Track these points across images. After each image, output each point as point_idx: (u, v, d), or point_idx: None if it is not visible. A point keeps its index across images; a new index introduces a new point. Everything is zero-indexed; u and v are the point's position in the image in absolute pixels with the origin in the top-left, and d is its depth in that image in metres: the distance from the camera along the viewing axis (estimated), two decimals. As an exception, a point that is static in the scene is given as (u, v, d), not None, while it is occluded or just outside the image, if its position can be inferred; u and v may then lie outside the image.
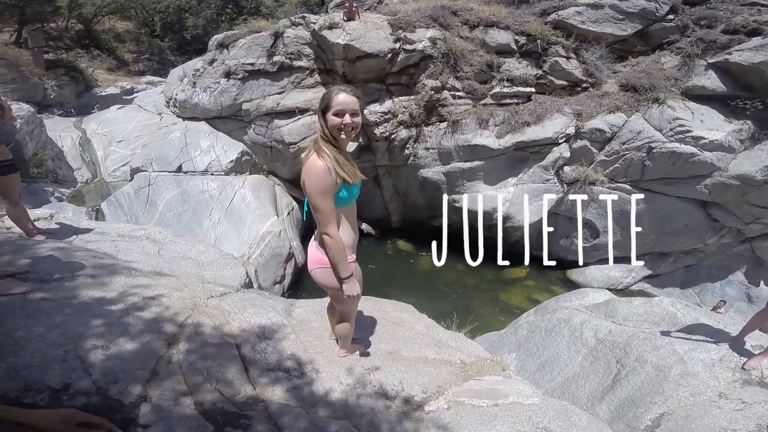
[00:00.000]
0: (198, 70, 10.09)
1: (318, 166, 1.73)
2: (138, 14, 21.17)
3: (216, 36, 10.52)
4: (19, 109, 8.72)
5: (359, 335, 2.69)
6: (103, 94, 16.49)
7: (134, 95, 15.62)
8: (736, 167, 7.82)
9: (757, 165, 7.70)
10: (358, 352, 2.52)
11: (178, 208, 8.16)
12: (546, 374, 4.09)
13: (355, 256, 2.06)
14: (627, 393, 3.27)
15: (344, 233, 1.90)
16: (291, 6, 16.32)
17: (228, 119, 9.53)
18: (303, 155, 1.85)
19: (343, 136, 1.79)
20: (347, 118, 1.75)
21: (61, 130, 10.63)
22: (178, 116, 10.41)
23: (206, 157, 8.84)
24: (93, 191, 9.53)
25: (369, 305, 3.32)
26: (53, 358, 2.05)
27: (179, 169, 8.66)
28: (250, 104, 9.04)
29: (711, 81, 8.20)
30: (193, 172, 8.64)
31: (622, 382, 3.37)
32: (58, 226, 4.18)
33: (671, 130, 7.94)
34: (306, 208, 1.96)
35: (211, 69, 9.85)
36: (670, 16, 9.22)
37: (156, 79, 17.76)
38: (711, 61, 8.32)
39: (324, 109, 1.78)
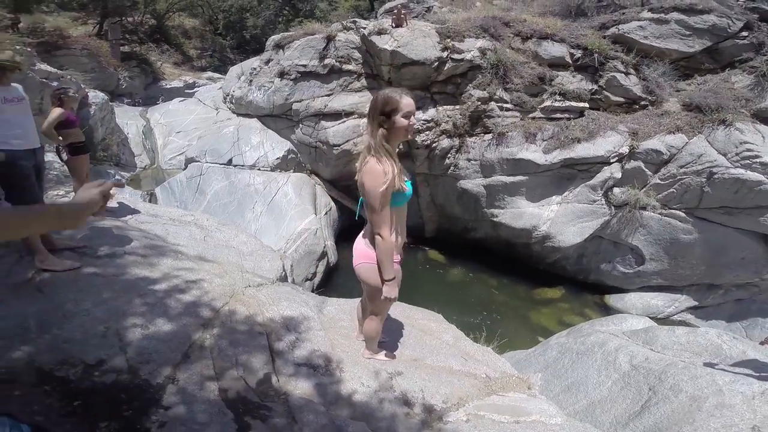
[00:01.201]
0: (255, 68, 10.62)
1: (378, 170, 1.81)
2: (204, 12, 22.64)
3: (273, 36, 11.02)
4: (95, 96, 9.54)
5: (386, 338, 2.72)
6: (168, 86, 17.72)
7: (195, 89, 16.68)
8: (809, 200, 7.10)
9: (833, 199, 6.96)
10: (383, 354, 2.54)
11: (225, 199, 8.63)
12: (571, 396, 3.98)
13: (401, 258, 2.15)
14: (654, 421, 3.13)
15: (393, 235, 1.98)
16: (343, 10, 16.82)
17: (278, 118, 9.94)
18: (359, 161, 1.94)
19: (409, 137, 1.89)
20: (413, 119, 1.86)
21: (128, 118, 11.52)
22: (233, 112, 11.01)
23: (255, 152, 9.30)
24: (150, 176, 10.25)
25: (397, 311, 3.34)
26: (94, 333, 2.19)
27: (229, 162, 9.18)
28: (300, 104, 9.39)
29: None
30: (242, 165, 9.10)
31: (651, 409, 3.24)
32: (118, 205, 4.53)
33: (737, 154, 7.32)
34: (360, 206, 2.07)
35: (266, 68, 10.31)
36: (744, 33, 8.60)
37: (216, 75, 18.88)
38: None
39: (390, 112, 1.82)
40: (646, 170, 7.82)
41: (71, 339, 2.13)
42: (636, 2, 9.94)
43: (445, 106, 8.73)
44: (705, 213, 7.73)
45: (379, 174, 1.81)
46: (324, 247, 8.29)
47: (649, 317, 8.36)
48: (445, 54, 8.52)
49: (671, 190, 7.72)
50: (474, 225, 9.19)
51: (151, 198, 8.93)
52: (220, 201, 8.66)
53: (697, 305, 8.47)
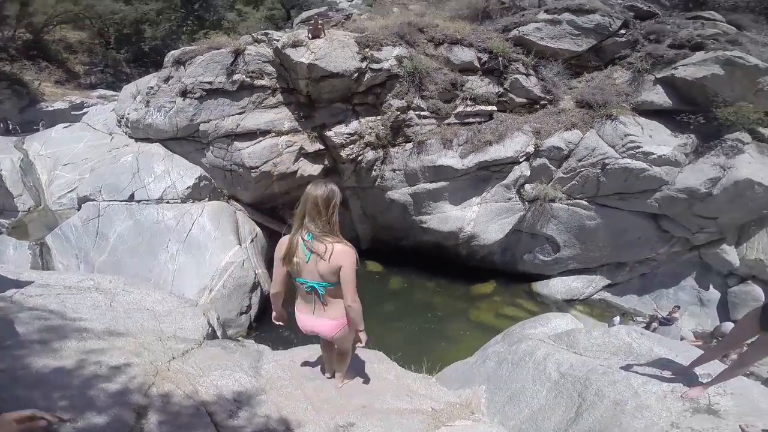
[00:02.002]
0: (152, 87, 9.58)
1: (352, 252, 2.18)
2: (93, 24, 20.01)
3: (172, 52, 10.01)
4: None
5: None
6: (50, 109, 15.53)
7: (84, 110, 14.74)
8: (682, 180, 8.33)
9: (701, 178, 8.23)
10: (357, 378, 2.96)
11: (132, 241, 7.66)
12: (515, 407, 4.17)
13: None
14: (589, 426, 3.39)
15: None
16: (254, 21, 15.93)
17: (184, 141, 9.07)
18: (325, 246, 2.15)
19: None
20: None
21: None
22: (131, 137, 9.83)
23: (161, 183, 8.36)
24: (37, 221, 8.76)
25: None
26: None
27: (131, 198, 8.14)
28: (208, 125, 8.66)
29: (659, 96, 8.65)
30: (147, 200, 8.13)
31: (584, 415, 3.50)
32: None
33: (623, 146, 8.32)
34: (324, 285, 2.26)
35: (166, 87, 9.36)
36: (622, 31, 9.54)
37: (109, 93, 16.87)
38: (658, 76, 8.75)
39: (340, 203, 2.20)
40: (551, 166, 8.61)
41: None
42: (534, 3, 10.68)
43: (367, 118, 8.69)
44: (603, 200, 8.74)
45: (354, 255, 2.18)
46: (255, 277, 7.79)
47: (572, 299, 9.26)
48: (364, 64, 8.44)
49: (573, 182, 8.59)
50: (406, 233, 9.37)
51: (42, 250, 7.72)
52: (126, 244, 7.69)
53: (610, 283, 9.58)
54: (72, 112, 15.05)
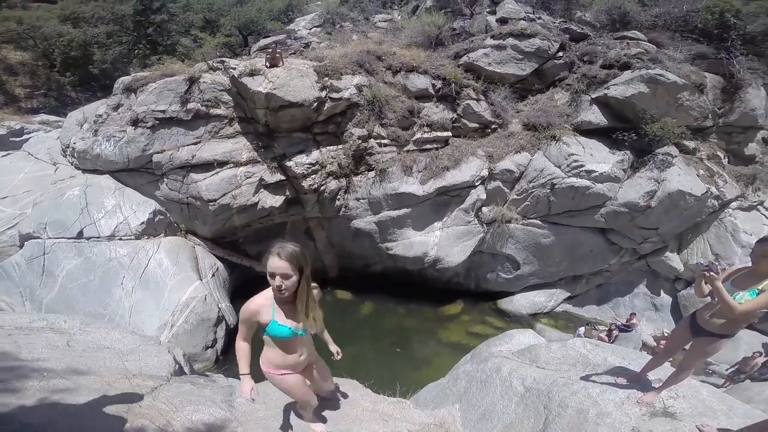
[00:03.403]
0: (101, 116, 9.17)
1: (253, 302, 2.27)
2: (37, 45, 18.82)
3: (122, 78, 9.60)
4: None
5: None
6: None
7: (24, 137, 13.69)
8: (623, 195, 8.93)
9: (639, 192, 8.87)
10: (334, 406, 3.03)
11: (83, 279, 7.24)
12: (487, 423, 4.30)
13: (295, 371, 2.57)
14: None
15: (279, 356, 2.43)
16: (210, 47, 15.60)
17: (136, 172, 8.72)
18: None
19: (278, 294, 2.19)
20: (277, 280, 2.13)
21: None
22: (77, 168, 9.31)
23: (112, 219, 7.96)
24: (-27, 259, 8.12)
25: (316, 387, 3.37)
26: None
27: (80, 235, 7.69)
28: (162, 156, 8.39)
29: (595, 115, 9.28)
30: (98, 237, 7.72)
31: (552, 426, 3.66)
32: None
33: (568, 165, 8.84)
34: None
35: (116, 115, 9.00)
36: (560, 54, 10.15)
37: (52, 118, 15.73)
38: (593, 96, 9.39)
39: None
40: (504, 188, 9.04)
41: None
42: (482, 29, 11.20)
43: (328, 147, 8.72)
44: (555, 218, 9.25)
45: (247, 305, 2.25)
46: (219, 311, 7.58)
47: (537, 313, 9.61)
48: (324, 93, 8.48)
49: (526, 203, 9.06)
50: (372, 260, 9.45)
51: None
52: (76, 282, 7.27)
53: (570, 295, 10.05)
54: (11, 139, 13.87)
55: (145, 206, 8.36)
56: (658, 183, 8.83)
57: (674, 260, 9.83)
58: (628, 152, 9.13)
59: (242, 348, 2.33)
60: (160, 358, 3.85)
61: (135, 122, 8.60)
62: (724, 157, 10.23)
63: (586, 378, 3.85)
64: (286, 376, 2.50)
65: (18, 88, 18.25)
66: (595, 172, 8.74)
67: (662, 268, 9.95)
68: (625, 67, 9.29)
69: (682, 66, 9.30)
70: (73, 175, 9.08)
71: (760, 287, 2.70)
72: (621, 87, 8.94)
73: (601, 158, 8.93)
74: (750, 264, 2.87)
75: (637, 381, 3.61)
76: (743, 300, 2.72)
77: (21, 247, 7.79)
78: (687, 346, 3.27)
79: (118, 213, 8.05)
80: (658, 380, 3.55)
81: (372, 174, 8.78)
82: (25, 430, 2.20)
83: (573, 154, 8.88)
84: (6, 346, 3.34)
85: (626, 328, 8.58)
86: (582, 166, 8.79)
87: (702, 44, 10.19)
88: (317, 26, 15.08)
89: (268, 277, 2.15)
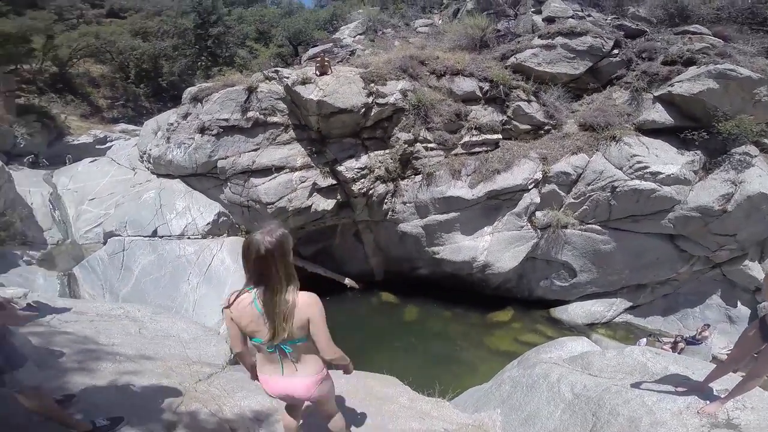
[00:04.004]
0: (172, 124, 10.06)
1: (318, 300, 1.91)
2: (114, 59, 21.04)
3: (190, 89, 10.49)
4: None
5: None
6: (76, 142, 16.10)
7: (108, 144, 15.41)
8: (695, 199, 8.21)
9: (713, 195, 8.11)
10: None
11: (155, 273, 7.99)
12: (530, 428, 4.16)
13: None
14: None
15: None
16: (264, 58, 16.61)
17: (203, 177, 9.47)
18: (286, 298, 1.84)
19: None
20: None
21: (30, 185, 10.27)
22: (153, 172, 10.30)
23: (182, 219, 8.73)
24: (64, 253, 9.15)
25: (354, 381, 3.47)
26: None
27: (154, 234, 8.53)
28: (226, 162, 9.04)
29: (659, 114, 8.64)
30: (169, 236, 8.51)
31: None
32: (35, 305, 4.13)
33: (630, 167, 8.29)
34: (291, 343, 1.93)
35: (185, 123, 9.82)
36: (615, 51, 9.63)
37: (130, 127, 17.58)
38: (656, 93, 8.78)
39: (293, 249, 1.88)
40: (560, 192, 8.64)
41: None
42: (528, 30, 10.94)
43: (376, 152, 8.91)
44: (616, 223, 8.67)
45: (319, 301, 1.92)
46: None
47: (593, 323, 9.09)
48: (370, 99, 8.71)
49: (584, 207, 8.59)
50: (419, 263, 9.45)
51: (70, 280, 8.09)
52: (149, 276, 8.03)
53: (632, 305, 9.37)
54: (96, 146, 15.69)
55: (210, 208, 9.07)
56: (736, 185, 8.06)
57: (755, 269, 8.85)
58: (699, 152, 8.40)
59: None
60: (218, 348, 4.20)
61: (202, 130, 9.34)
62: (814, 156, 9.06)
63: (641, 386, 3.61)
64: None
65: (101, 99, 20.50)
66: (662, 174, 8.13)
67: (740, 278, 8.99)
68: (690, 62, 8.66)
69: (756, 60, 8.48)
70: (149, 179, 10.07)
71: None
72: (687, 84, 8.27)
73: (668, 159, 8.29)
74: None
75: (700, 391, 3.34)
76: None
77: (104, 243, 8.73)
78: (756, 353, 2.95)
79: (187, 214, 8.83)
80: (724, 390, 3.25)
81: (419, 178, 8.81)
82: (94, 408, 2.50)
83: (636, 155, 8.32)
84: (87, 331, 3.80)
85: (695, 340, 7.92)
86: (646, 167, 8.21)
87: None
88: (360, 34, 15.47)
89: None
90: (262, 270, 1.79)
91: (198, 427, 2.52)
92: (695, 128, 8.33)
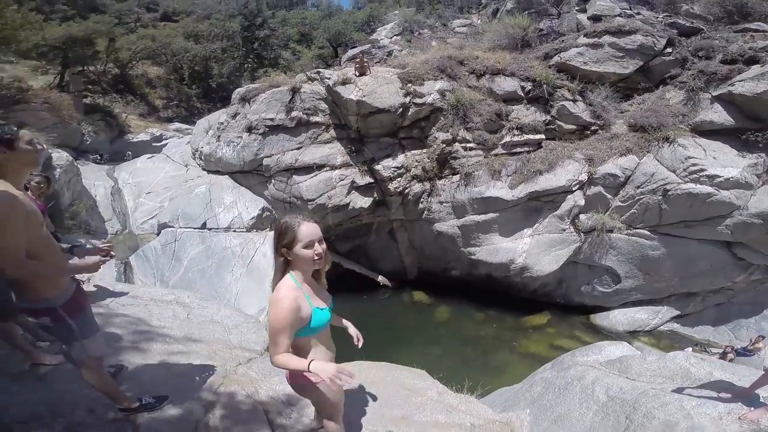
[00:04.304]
0: (222, 123, 10.62)
1: (280, 300, 1.71)
2: (168, 60, 22.39)
3: (238, 89, 11.02)
4: (59, 157, 9.07)
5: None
6: (135, 140, 17.25)
7: (163, 142, 16.46)
8: (756, 204, 7.63)
9: (779, 201, 7.48)
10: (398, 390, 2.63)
11: (202, 264, 8.52)
12: (558, 429, 4.09)
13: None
14: None
15: (322, 353, 1.93)
16: (307, 59, 17.16)
17: (249, 174, 9.95)
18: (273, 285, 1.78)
19: (316, 267, 1.78)
20: (318, 248, 1.73)
21: (95, 179, 11.17)
22: (203, 169, 10.94)
23: (229, 213, 9.26)
24: (122, 243, 9.87)
25: (384, 372, 3.58)
26: (105, 419, 2.36)
27: (204, 226, 9.10)
28: (270, 160, 9.45)
29: (718, 115, 8.12)
30: (217, 228, 9.05)
31: None
32: (96, 289, 4.48)
33: (685, 170, 7.84)
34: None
35: (234, 122, 10.34)
36: (668, 50, 9.21)
37: (183, 126, 18.68)
38: (715, 93, 8.27)
39: (289, 244, 1.70)
40: (607, 194, 8.27)
41: (83, 423, 2.27)
42: (572, 28, 10.60)
43: (413, 151, 8.98)
44: (667, 228, 8.20)
45: (283, 300, 1.70)
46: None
47: (636, 331, 8.69)
48: (408, 99, 8.80)
49: (633, 210, 8.17)
50: (453, 264, 9.39)
51: (126, 268, 8.71)
52: (197, 266, 8.56)
53: (680, 314, 8.84)
54: (153, 144, 16.82)
55: (255, 203, 9.52)
56: (803, 191, 7.36)
57: (818, 280, 8.06)
58: (763, 155, 7.81)
59: (285, 355, 1.73)
60: (258, 334, 4.40)
61: (249, 129, 9.79)
62: None
63: (681, 390, 3.46)
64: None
65: (157, 100, 21.94)
66: (720, 177, 7.61)
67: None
68: (752, 61, 8.15)
69: None
70: (200, 175, 10.71)
71: None
72: (749, 83, 7.71)
73: (727, 162, 7.76)
74: None
75: (745, 397, 3.15)
76: None
77: (158, 234, 9.39)
78: None
79: (234, 208, 9.34)
80: None
81: (456, 178, 8.77)
82: (142, 387, 2.70)
83: (691, 157, 7.84)
84: (141, 314, 4.09)
85: (747, 352, 7.38)
86: (703, 170, 7.71)
87: None
88: (397, 35, 15.56)
89: (302, 249, 1.71)
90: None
91: (234, 408, 2.67)
92: (759, 129, 7.75)
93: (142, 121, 19.68)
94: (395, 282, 9.97)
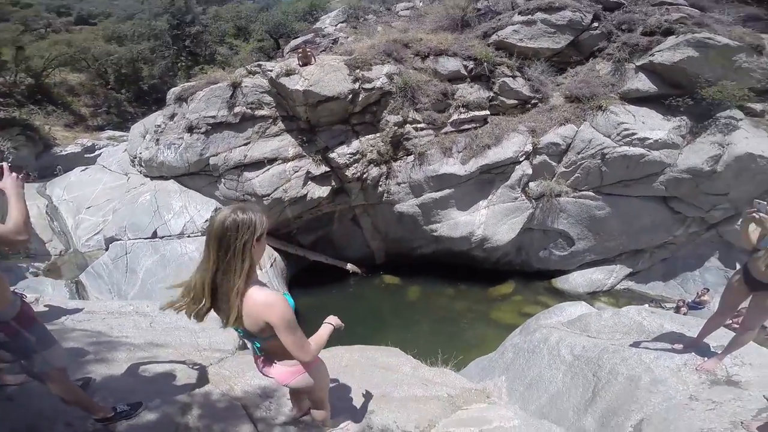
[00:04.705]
0: (159, 126, 9.97)
1: (282, 302, 1.66)
2: (90, 66, 20.68)
3: (173, 89, 10.40)
4: None
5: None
6: (64, 153, 16.00)
7: (96, 152, 15.27)
8: (684, 161, 8.42)
9: (702, 157, 8.31)
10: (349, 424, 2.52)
11: (159, 274, 8.06)
12: (534, 393, 4.27)
13: None
14: (607, 404, 3.46)
15: None
16: (246, 53, 16.43)
17: (196, 175, 9.45)
18: (235, 295, 1.61)
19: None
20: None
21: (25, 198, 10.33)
22: (146, 175, 10.25)
23: (180, 219, 8.76)
24: (69, 263, 9.19)
25: (358, 354, 3.63)
26: (85, 431, 2.28)
27: (154, 235, 8.55)
28: (217, 158, 9.02)
29: (643, 83, 8.82)
30: (170, 236, 8.54)
31: (601, 393, 3.57)
32: (47, 308, 4.19)
33: (618, 134, 8.47)
34: (258, 345, 1.85)
35: (172, 124, 9.74)
36: (595, 24, 9.77)
37: (117, 133, 17.39)
38: (638, 63, 8.95)
39: (259, 237, 1.60)
40: (551, 162, 8.78)
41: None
42: (508, 7, 10.92)
43: (367, 136, 8.98)
44: (609, 189, 8.86)
45: (280, 302, 1.66)
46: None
47: (595, 292, 9.23)
48: (357, 85, 8.73)
49: (576, 175, 8.75)
50: (418, 243, 9.58)
51: (78, 287, 8.16)
52: (154, 277, 8.10)
53: (632, 271, 9.57)
54: (85, 155, 15.58)
55: (207, 205, 9.10)
56: (723, 147, 8.26)
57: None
58: (684, 118, 8.60)
59: (311, 341, 1.82)
60: (227, 335, 4.26)
61: (190, 129, 9.27)
62: (801, 118, 9.24)
63: (637, 344, 3.67)
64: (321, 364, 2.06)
65: (83, 108, 20.16)
66: (650, 139, 8.32)
67: (736, 238, 9.12)
68: (669, 32, 8.85)
69: (733, 29, 8.69)
70: (143, 183, 10.02)
71: None
72: (667, 53, 8.45)
73: (654, 125, 8.48)
74: None
75: (695, 346, 3.39)
76: None
77: (107, 249, 8.75)
78: (746, 304, 2.97)
79: (185, 213, 8.86)
80: (720, 346, 3.32)
81: (411, 158, 8.92)
82: (113, 395, 2.61)
83: (623, 123, 8.49)
84: (100, 327, 3.89)
85: (696, 305, 8.10)
86: (634, 134, 8.39)
87: (751, 6, 9.56)
88: (342, 22, 15.35)
89: (263, 242, 1.65)
90: (219, 245, 1.56)
91: (211, 407, 2.62)
92: (679, 95, 8.51)
93: (69, 132, 18.09)
94: (365, 268, 9.99)
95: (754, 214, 2.46)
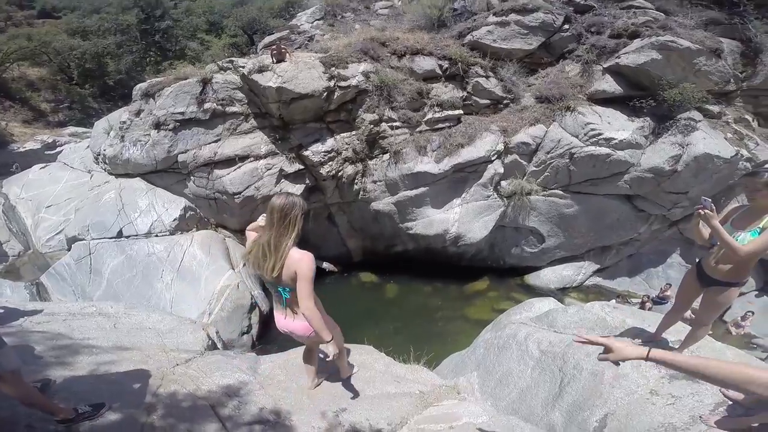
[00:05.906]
0: (125, 122, 9.55)
1: (308, 258, 2.26)
2: (51, 60, 19.62)
3: (139, 85, 9.96)
4: None
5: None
6: (22, 150, 15.15)
7: (58, 150, 14.52)
8: (647, 161, 8.76)
9: (663, 157, 8.68)
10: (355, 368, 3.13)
11: (126, 274, 7.75)
12: (504, 388, 4.33)
13: None
14: (573, 398, 3.56)
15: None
16: (218, 49, 15.98)
17: (164, 173, 9.12)
18: (271, 259, 2.26)
19: None
20: None
21: None
22: (110, 173, 9.81)
23: (147, 218, 8.44)
24: (28, 264, 8.78)
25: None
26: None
27: (120, 234, 8.20)
28: (186, 155, 8.74)
29: (609, 84, 9.12)
30: (136, 235, 8.21)
31: (567, 389, 3.66)
32: (2, 311, 4.00)
33: (585, 134, 8.74)
34: (288, 290, 2.33)
35: (138, 120, 9.36)
36: (566, 26, 10.03)
37: (80, 130, 16.57)
38: (605, 65, 9.26)
39: (304, 213, 2.31)
40: (522, 161, 8.98)
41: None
42: (483, 8, 11.07)
43: (342, 134, 8.91)
44: (577, 187, 9.13)
45: (309, 260, 2.26)
46: (251, 298, 7.97)
47: (565, 288, 9.49)
48: (332, 83, 8.65)
49: (546, 173, 8.98)
50: (394, 240, 9.61)
51: (39, 289, 7.79)
52: (121, 278, 7.79)
53: (600, 268, 9.89)
54: (45, 152, 14.81)
55: (175, 204, 8.78)
56: (683, 147, 8.63)
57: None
58: (648, 119, 8.95)
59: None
60: (195, 335, 4.20)
61: (157, 125, 8.95)
62: (753, 120, 9.82)
63: None
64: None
65: (43, 104, 19.15)
66: (615, 139, 8.61)
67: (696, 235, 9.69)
68: (635, 35, 9.15)
69: (695, 32, 9.06)
70: (107, 180, 9.61)
71: (761, 225, 2.48)
72: (632, 55, 8.77)
73: (619, 126, 8.79)
74: (747, 202, 2.65)
75: (654, 341, 3.49)
76: (746, 241, 2.49)
77: (69, 249, 8.35)
78: (699, 299, 3.05)
79: (152, 212, 8.53)
80: (678, 341, 3.43)
81: (386, 156, 8.92)
82: (75, 397, 2.54)
83: (589, 123, 8.76)
84: (61, 329, 3.74)
85: (660, 300, 8.44)
86: (600, 134, 8.67)
87: (713, 10, 9.90)
88: (318, 19, 15.16)
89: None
90: (271, 219, 2.25)
91: (177, 406, 2.59)
92: (643, 97, 8.83)
93: (28, 128, 17.13)
94: (341, 267, 9.88)
95: (700, 211, 2.52)
